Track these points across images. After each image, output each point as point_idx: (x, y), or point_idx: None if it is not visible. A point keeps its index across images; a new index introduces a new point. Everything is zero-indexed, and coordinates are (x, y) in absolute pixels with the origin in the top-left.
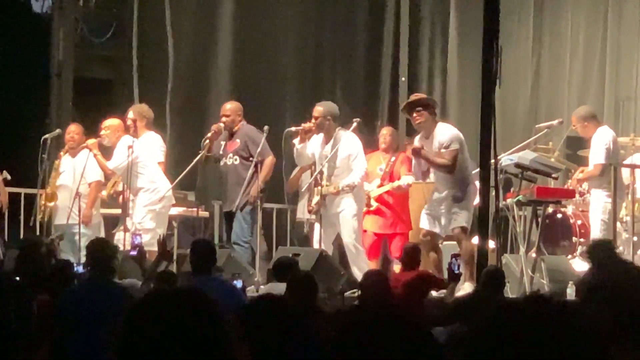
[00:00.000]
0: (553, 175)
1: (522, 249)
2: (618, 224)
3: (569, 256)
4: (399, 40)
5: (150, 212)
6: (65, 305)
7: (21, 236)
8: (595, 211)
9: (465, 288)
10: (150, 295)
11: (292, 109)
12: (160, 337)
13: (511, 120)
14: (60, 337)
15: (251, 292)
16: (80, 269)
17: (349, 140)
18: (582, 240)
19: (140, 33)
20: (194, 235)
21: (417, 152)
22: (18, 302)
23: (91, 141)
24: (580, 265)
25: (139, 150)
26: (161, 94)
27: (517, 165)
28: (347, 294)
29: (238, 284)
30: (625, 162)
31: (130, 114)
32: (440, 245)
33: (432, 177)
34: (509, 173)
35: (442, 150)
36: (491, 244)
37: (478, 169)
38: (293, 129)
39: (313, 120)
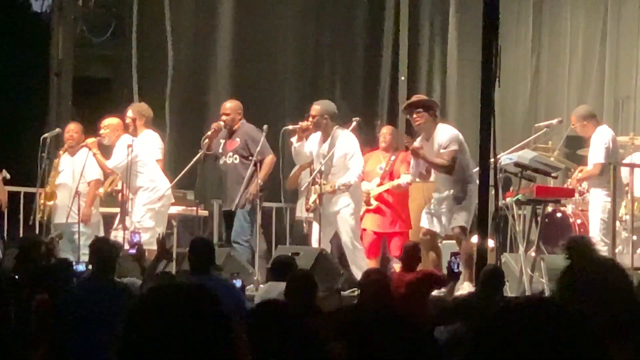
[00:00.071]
0: (552, 175)
1: (522, 248)
2: (617, 223)
3: None
4: (399, 40)
5: (150, 211)
6: (65, 305)
7: (20, 235)
8: (594, 210)
9: (464, 288)
10: (153, 291)
11: (292, 108)
12: (163, 334)
13: (511, 120)
14: (60, 336)
15: (250, 291)
16: (80, 267)
17: (345, 139)
18: None
19: (140, 32)
20: (193, 234)
21: (416, 153)
22: (17, 301)
23: (90, 140)
24: None
25: (138, 149)
26: (161, 93)
27: (517, 165)
28: (346, 293)
29: (237, 283)
30: (624, 161)
31: (130, 113)
32: (439, 244)
33: (433, 176)
34: (509, 172)
35: (442, 151)
36: (490, 243)
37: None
38: (290, 127)
39: (310, 119)
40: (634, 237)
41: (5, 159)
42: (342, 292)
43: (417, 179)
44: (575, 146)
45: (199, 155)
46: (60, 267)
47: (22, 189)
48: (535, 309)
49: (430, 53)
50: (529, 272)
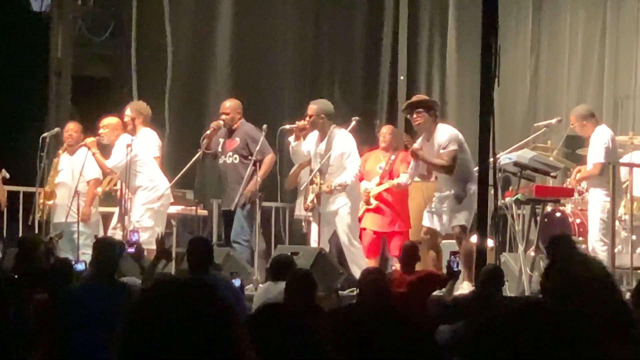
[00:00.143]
0: (552, 174)
1: (521, 248)
2: (617, 223)
3: None
4: (398, 39)
5: (149, 211)
6: (65, 304)
7: (20, 235)
8: (594, 210)
9: (463, 287)
10: (153, 287)
11: (291, 107)
12: (164, 331)
13: (510, 119)
14: (60, 336)
15: (250, 290)
16: (79, 266)
17: (342, 138)
18: (580, 239)
19: (139, 32)
20: (192, 234)
21: (415, 154)
22: (16, 301)
23: (90, 140)
24: None
25: (137, 148)
26: (160, 92)
27: (516, 164)
28: (345, 292)
29: (236, 282)
30: (622, 160)
31: (128, 112)
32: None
33: (434, 176)
34: (508, 172)
35: (441, 151)
36: (490, 243)
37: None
38: (287, 126)
39: (307, 118)
40: (633, 237)
41: (4, 158)
42: (341, 292)
43: (418, 179)
44: (575, 146)
45: (198, 154)
46: (60, 267)
47: (22, 189)
48: (534, 309)
49: (430, 53)
50: (528, 271)
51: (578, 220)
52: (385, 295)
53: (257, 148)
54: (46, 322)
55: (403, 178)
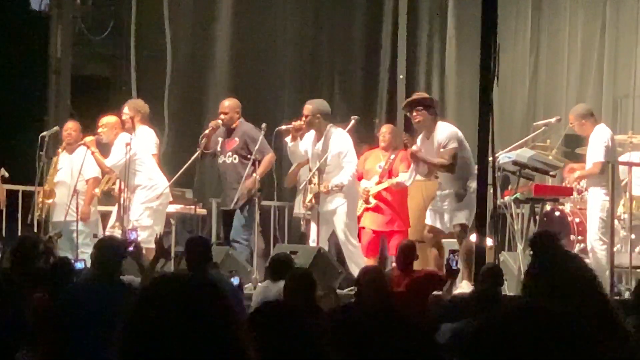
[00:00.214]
0: (551, 173)
1: (520, 247)
2: (616, 222)
3: None
4: (397, 38)
5: (148, 210)
6: (67, 304)
7: (19, 234)
8: (593, 209)
9: (462, 286)
10: (153, 284)
11: (290, 106)
12: (165, 328)
13: (509, 118)
14: (61, 336)
15: (249, 289)
16: (78, 265)
17: (339, 137)
18: (579, 238)
19: (139, 31)
20: (191, 233)
21: (415, 156)
22: (15, 301)
23: (89, 139)
24: None
25: (136, 147)
26: (159, 91)
27: (515, 163)
28: (344, 291)
29: (235, 281)
30: (620, 159)
31: (126, 110)
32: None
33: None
34: (507, 171)
35: (441, 150)
36: (489, 242)
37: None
38: (283, 127)
39: (303, 118)
40: (632, 236)
41: (3, 157)
42: (340, 291)
43: (422, 177)
44: (574, 145)
45: (197, 153)
46: (60, 266)
47: (21, 187)
48: (535, 309)
49: (429, 52)
50: None
51: (577, 219)
52: (385, 295)
53: (257, 147)
54: (46, 321)
55: (402, 177)
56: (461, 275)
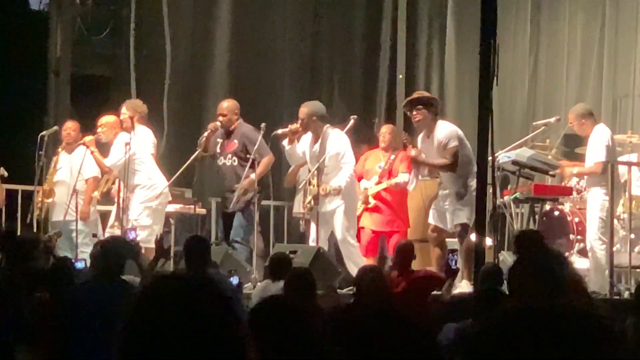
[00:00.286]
0: (550, 173)
1: None
2: (615, 221)
3: (566, 254)
4: (397, 38)
5: (147, 209)
6: (69, 304)
7: (19, 233)
8: (592, 208)
9: (462, 286)
10: (154, 283)
11: (290, 106)
12: (167, 329)
13: (508, 118)
14: (62, 336)
15: (248, 289)
16: (78, 265)
17: (335, 138)
18: (579, 237)
19: (138, 31)
20: (191, 233)
21: (416, 160)
22: (15, 301)
23: (88, 138)
24: (577, 263)
25: (135, 146)
26: (159, 91)
27: (515, 163)
28: (344, 291)
29: (234, 280)
30: (620, 159)
31: (124, 110)
32: None
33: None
34: (507, 170)
35: (442, 149)
36: (488, 241)
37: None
38: (280, 131)
39: (299, 121)
40: (632, 236)
41: (3, 156)
42: (339, 290)
43: (428, 178)
44: (573, 144)
45: (196, 153)
46: (61, 266)
47: (20, 187)
48: (540, 309)
49: (428, 51)
50: None
51: (577, 219)
52: (384, 294)
53: (255, 147)
54: (47, 321)
55: (402, 177)
56: (461, 275)
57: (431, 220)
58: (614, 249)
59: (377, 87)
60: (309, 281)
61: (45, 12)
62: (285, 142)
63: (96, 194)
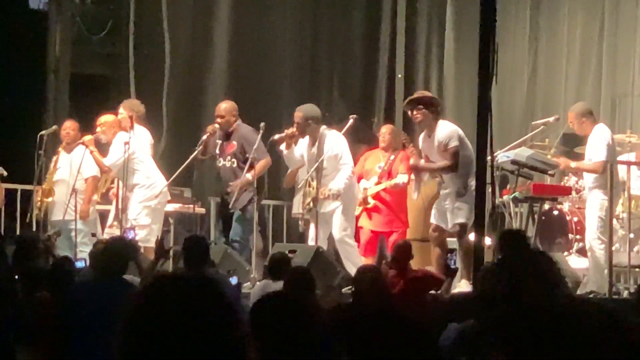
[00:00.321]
0: (549, 172)
1: None
2: (614, 221)
3: (565, 253)
4: (396, 38)
5: (146, 208)
6: (71, 303)
7: (18, 233)
8: (592, 208)
9: (461, 286)
10: (154, 283)
11: (289, 106)
12: (167, 328)
13: (508, 117)
14: (63, 335)
15: (247, 288)
16: (78, 264)
17: (333, 140)
18: (578, 237)
19: (137, 30)
20: (190, 232)
21: (416, 168)
22: (15, 300)
23: (87, 138)
24: (576, 262)
25: (134, 146)
26: (158, 90)
27: (514, 162)
28: (343, 290)
29: (233, 280)
30: (619, 159)
31: (122, 110)
32: None
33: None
34: (506, 170)
35: (443, 150)
36: (488, 241)
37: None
38: (277, 136)
39: (295, 125)
40: (631, 235)
41: (2, 156)
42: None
43: (430, 178)
44: (572, 144)
45: (195, 153)
46: (62, 265)
47: (20, 186)
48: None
49: (428, 51)
50: None
51: (576, 219)
52: (382, 294)
53: (254, 147)
54: (47, 321)
55: (401, 178)
56: (460, 275)
57: (433, 220)
58: (613, 248)
59: (376, 87)
60: (309, 280)
61: (45, 11)
62: (282, 147)
63: (96, 197)
